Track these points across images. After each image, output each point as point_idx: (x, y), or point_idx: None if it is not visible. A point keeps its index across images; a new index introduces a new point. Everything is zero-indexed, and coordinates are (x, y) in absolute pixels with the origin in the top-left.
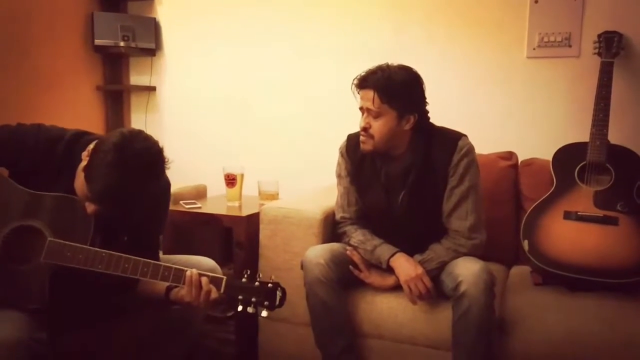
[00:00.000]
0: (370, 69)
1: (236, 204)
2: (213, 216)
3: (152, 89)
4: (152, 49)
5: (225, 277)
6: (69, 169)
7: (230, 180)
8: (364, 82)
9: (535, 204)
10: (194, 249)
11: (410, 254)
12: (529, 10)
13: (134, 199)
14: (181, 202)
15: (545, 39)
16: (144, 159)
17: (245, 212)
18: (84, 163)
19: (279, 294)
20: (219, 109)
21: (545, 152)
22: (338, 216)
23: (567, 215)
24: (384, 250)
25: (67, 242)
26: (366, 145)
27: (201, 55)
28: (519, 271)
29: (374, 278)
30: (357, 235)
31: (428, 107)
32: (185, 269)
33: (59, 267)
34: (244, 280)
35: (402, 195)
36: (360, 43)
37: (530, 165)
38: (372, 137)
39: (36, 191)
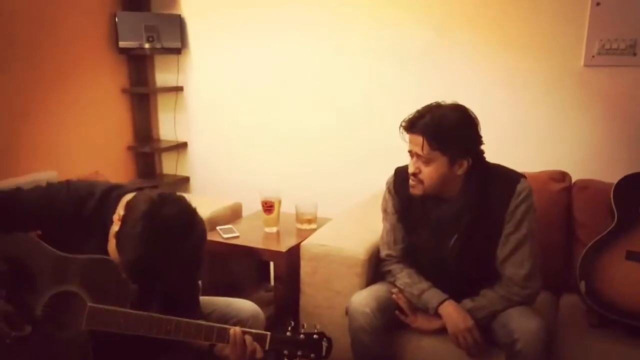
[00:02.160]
0: (419, 111)
1: (274, 230)
2: (252, 249)
3: (179, 88)
4: (178, 48)
5: (269, 333)
6: (101, 227)
7: (268, 208)
8: (412, 127)
9: (594, 241)
10: (229, 270)
11: (459, 297)
12: (589, 13)
13: (167, 267)
14: (217, 228)
15: (607, 46)
16: (174, 227)
17: (283, 243)
18: (115, 228)
19: (324, 344)
20: (250, 108)
21: (602, 174)
22: (383, 254)
23: (630, 256)
24: (432, 296)
25: (107, 307)
26: (416, 190)
27: (229, 51)
28: (570, 302)
29: (420, 322)
30: (403, 277)
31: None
32: (228, 327)
33: (101, 333)
34: (288, 334)
35: (453, 239)
36: (402, 51)
37: (586, 189)
38: (422, 182)
39: (69, 252)
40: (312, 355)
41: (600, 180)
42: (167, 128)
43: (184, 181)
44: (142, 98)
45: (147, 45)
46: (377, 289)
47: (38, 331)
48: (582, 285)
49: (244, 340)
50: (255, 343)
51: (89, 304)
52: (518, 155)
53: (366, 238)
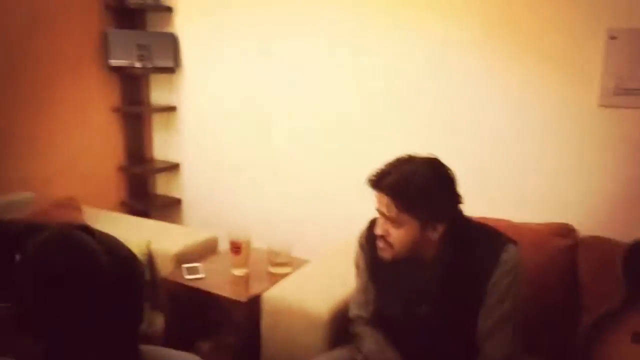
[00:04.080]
0: (386, 166)
1: (241, 272)
2: (212, 295)
3: (172, 108)
4: (171, 67)
5: None
6: None
7: (235, 249)
8: (377, 184)
9: (597, 316)
10: (194, 310)
11: None
12: (604, 47)
13: (65, 317)
14: (183, 266)
15: (622, 86)
16: (63, 275)
17: (248, 290)
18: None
19: None
20: (242, 131)
21: (615, 230)
22: (352, 313)
23: (637, 339)
24: None
25: None
26: (385, 254)
27: (224, 71)
28: None
29: None
30: (370, 343)
31: (461, 206)
32: None
33: None
34: None
35: (424, 308)
36: (406, 60)
37: (594, 248)
38: (391, 246)
39: None
40: None
41: (612, 239)
42: (160, 148)
43: (176, 203)
44: (135, 117)
45: (138, 64)
46: (337, 357)
47: None
48: None
49: None
50: None
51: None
52: (518, 202)
53: (336, 293)
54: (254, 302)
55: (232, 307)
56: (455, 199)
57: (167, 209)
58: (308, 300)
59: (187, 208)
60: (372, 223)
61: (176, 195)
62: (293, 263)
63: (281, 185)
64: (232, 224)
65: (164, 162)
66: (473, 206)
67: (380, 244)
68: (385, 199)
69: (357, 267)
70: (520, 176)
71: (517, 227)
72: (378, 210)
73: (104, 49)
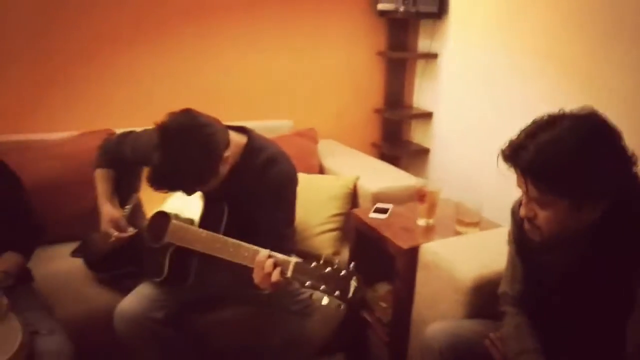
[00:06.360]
0: (522, 134)
1: (423, 222)
2: (381, 237)
3: (433, 55)
4: (435, 13)
5: (294, 261)
6: None
7: (420, 197)
8: (511, 161)
9: None
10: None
11: None
12: None
13: (181, 174)
14: (377, 204)
15: None
16: (175, 135)
17: (416, 240)
18: None
19: (353, 283)
20: (492, 87)
21: None
22: (500, 289)
23: None
24: None
25: (182, 224)
26: (534, 236)
27: (491, 22)
28: None
29: None
30: (509, 325)
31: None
32: (260, 249)
33: (180, 248)
34: (314, 264)
35: (557, 297)
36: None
37: None
38: (538, 228)
39: None
40: (337, 292)
41: None
42: (419, 95)
43: (424, 152)
44: (398, 62)
45: (401, 9)
46: (464, 326)
47: (139, 239)
48: None
49: (265, 263)
50: (274, 267)
51: (172, 221)
52: None
53: (495, 262)
54: (415, 253)
55: (396, 253)
56: (621, 164)
57: (415, 156)
58: (457, 262)
59: (434, 158)
60: None
61: (426, 144)
62: (481, 224)
63: None
64: (465, 178)
65: (418, 109)
66: None
67: (526, 225)
68: (521, 178)
69: (508, 236)
70: None
71: None
72: (519, 186)
73: None
